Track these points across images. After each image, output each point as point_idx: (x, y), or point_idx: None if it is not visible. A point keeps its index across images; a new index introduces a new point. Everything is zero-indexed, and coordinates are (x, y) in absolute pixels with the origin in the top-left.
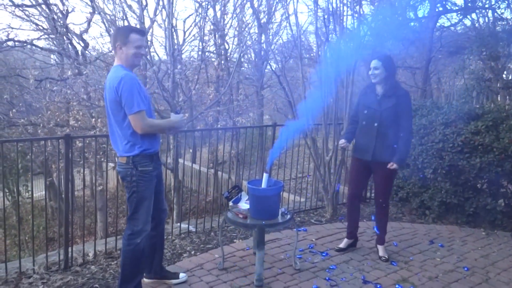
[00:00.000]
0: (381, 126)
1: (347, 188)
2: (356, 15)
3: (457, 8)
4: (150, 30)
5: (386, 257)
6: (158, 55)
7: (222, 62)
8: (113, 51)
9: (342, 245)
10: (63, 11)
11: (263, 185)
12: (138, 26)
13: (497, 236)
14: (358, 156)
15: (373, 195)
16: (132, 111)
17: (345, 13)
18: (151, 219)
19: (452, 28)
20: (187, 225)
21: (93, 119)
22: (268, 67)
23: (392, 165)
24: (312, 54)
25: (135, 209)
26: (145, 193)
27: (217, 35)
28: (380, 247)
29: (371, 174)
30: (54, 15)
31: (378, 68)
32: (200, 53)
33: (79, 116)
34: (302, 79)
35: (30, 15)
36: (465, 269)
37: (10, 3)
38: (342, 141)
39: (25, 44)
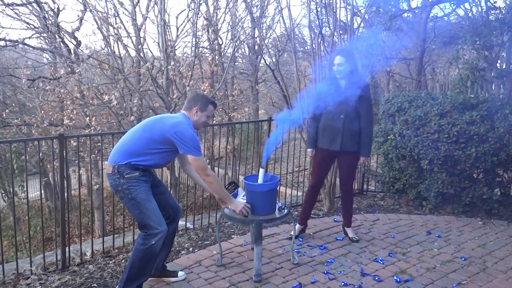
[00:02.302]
0: (348, 117)
1: (310, 178)
2: (349, 7)
3: None
4: (143, 27)
5: (357, 238)
6: (151, 52)
7: (216, 57)
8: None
9: (293, 233)
10: (54, 9)
11: (259, 180)
12: (130, 23)
13: (494, 225)
14: (325, 147)
15: (370, 187)
16: (198, 153)
17: (338, 5)
18: (167, 216)
19: (446, 18)
20: (184, 222)
21: (87, 118)
22: (262, 61)
23: (363, 160)
24: (306, 48)
25: (141, 215)
26: (141, 196)
27: (210, 30)
28: (348, 230)
29: (332, 164)
30: (45, 14)
31: (343, 64)
32: (193, 48)
33: (73, 115)
34: (296, 72)
35: (21, 14)
36: (463, 259)
37: (0, 2)
38: (309, 151)
39: (16, 43)
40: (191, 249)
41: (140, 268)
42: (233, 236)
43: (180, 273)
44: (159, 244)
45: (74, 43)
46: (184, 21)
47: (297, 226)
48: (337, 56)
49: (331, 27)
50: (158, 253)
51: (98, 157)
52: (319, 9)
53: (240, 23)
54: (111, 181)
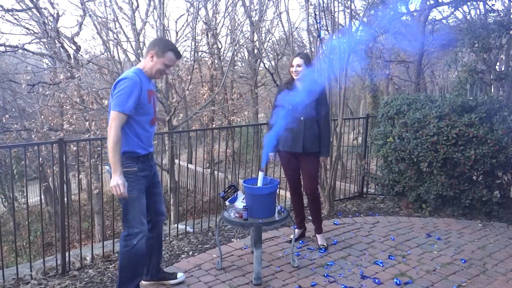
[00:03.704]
0: (307, 119)
1: (288, 182)
2: (348, 10)
3: (448, 0)
4: (142, 31)
5: (325, 245)
6: None
7: (215, 61)
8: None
9: (293, 236)
10: (54, 15)
11: (259, 183)
12: (130, 27)
13: (494, 227)
14: (287, 150)
15: (370, 190)
16: (114, 108)
17: (336, 9)
18: (148, 221)
19: (444, 21)
20: (184, 226)
21: (87, 122)
22: (262, 65)
23: (322, 160)
24: (305, 51)
25: (126, 211)
26: (131, 194)
27: (209, 35)
28: (318, 236)
29: (298, 164)
30: (45, 19)
31: (301, 65)
32: (193, 52)
33: (73, 119)
34: None
35: (21, 19)
36: (463, 261)
37: (0, 8)
38: (271, 155)
39: (16, 49)
40: (191, 252)
41: (130, 271)
42: (233, 239)
43: (180, 275)
44: (142, 244)
45: (74, 48)
46: (183, 26)
47: (296, 231)
48: (295, 58)
49: (329, 31)
50: (144, 253)
51: (97, 162)
52: (317, 12)
53: (239, 27)
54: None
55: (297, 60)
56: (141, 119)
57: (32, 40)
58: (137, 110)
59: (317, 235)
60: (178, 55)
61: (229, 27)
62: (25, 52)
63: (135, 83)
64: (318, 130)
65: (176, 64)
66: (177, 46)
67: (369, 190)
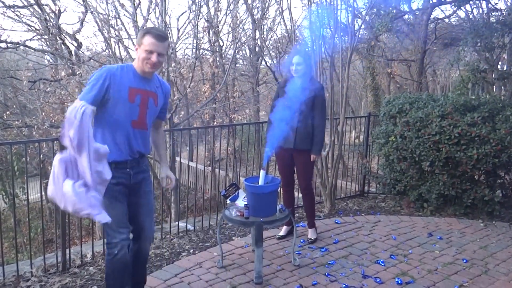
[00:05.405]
0: (301, 116)
1: (281, 177)
2: (350, 8)
3: None
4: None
5: (312, 238)
6: None
7: (217, 59)
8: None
9: (282, 233)
10: (55, 11)
11: (260, 182)
12: (131, 24)
13: (496, 227)
14: (281, 146)
15: (371, 189)
16: (81, 93)
17: (339, 7)
18: (132, 231)
19: (447, 20)
20: (185, 224)
21: None
22: (263, 63)
23: (313, 157)
24: (307, 49)
25: None
26: (104, 201)
27: (211, 32)
28: (310, 230)
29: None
30: (46, 16)
31: (301, 63)
32: (194, 50)
33: None
34: None
35: (22, 16)
36: (464, 261)
37: (1, 4)
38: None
39: (18, 45)
40: (191, 250)
41: (115, 280)
42: (234, 237)
43: None
44: (124, 254)
45: (75, 45)
46: (185, 23)
47: (284, 227)
48: (295, 56)
49: (332, 29)
50: (129, 263)
51: None
52: (320, 10)
53: (241, 25)
54: None
55: (297, 59)
56: (118, 119)
57: (33, 36)
58: (111, 108)
59: (308, 229)
60: (157, 37)
61: (231, 25)
62: (27, 48)
63: (102, 74)
64: (312, 128)
65: (178, 61)
66: (178, 43)
67: (370, 189)
